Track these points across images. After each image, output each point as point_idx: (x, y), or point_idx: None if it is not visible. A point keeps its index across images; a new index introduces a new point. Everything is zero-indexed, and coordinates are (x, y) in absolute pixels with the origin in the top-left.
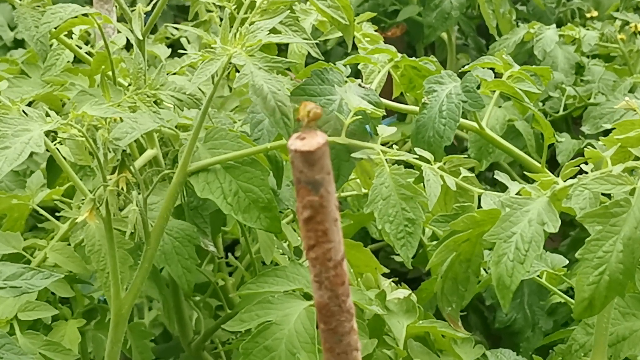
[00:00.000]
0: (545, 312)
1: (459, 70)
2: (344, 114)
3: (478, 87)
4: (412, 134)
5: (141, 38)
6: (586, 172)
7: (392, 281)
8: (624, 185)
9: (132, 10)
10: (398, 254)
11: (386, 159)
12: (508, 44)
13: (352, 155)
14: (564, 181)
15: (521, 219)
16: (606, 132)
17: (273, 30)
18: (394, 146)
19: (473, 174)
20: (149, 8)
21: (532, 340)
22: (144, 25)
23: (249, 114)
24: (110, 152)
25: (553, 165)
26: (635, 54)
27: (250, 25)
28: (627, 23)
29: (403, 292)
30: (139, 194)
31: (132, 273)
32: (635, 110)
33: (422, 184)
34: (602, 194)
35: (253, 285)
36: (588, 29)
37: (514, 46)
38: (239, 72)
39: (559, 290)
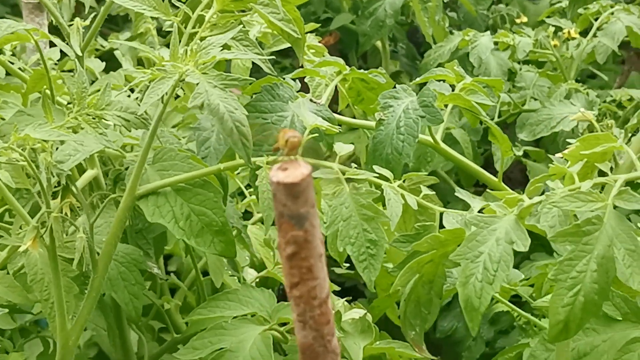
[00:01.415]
0: (487, 321)
1: (414, 82)
2: (297, 130)
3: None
4: (369, 151)
5: (80, 54)
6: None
7: (346, 300)
8: (594, 202)
9: (70, 25)
10: (337, 266)
11: (345, 178)
12: (443, 52)
13: (313, 174)
14: (530, 198)
15: (488, 238)
16: (538, 140)
17: (225, 46)
18: (352, 165)
19: (434, 192)
20: (87, 22)
21: (474, 350)
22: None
23: (194, 132)
24: (53, 176)
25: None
26: (569, 60)
27: (200, 40)
28: (560, 29)
29: (358, 312)
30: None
31: (78, 302)
32: (590, 121)
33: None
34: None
35: (204, 310)
36: (521, 36)
37: (449, 54)
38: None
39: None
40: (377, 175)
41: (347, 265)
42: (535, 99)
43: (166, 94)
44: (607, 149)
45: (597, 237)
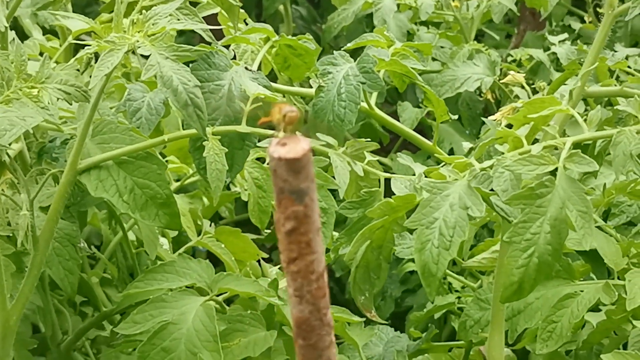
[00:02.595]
0: (397, 280)
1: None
2: (234, 100)
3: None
4: (310, 118)
5: (6, 25)
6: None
7: (279, 267)
8: (546, 165)
9: None
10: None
11: None
12: (347, 14)
13: (259, 144)
14: (479, 162)
15: (442, 204)
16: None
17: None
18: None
19: (376, 158)
20: None
21: (384, 309)
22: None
23: (125, 102)
24: None
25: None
26: (470, 21)
27: (143, 11)
28: None
29: None
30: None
31: (14, 280)
32: (521, 84)
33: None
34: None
35: (141, 283)
36: None
37: (353, 16)
38: None
39: None
40: (324, 143)
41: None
42: (436, 60)
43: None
44: (553, 112)
45: (549, 199)
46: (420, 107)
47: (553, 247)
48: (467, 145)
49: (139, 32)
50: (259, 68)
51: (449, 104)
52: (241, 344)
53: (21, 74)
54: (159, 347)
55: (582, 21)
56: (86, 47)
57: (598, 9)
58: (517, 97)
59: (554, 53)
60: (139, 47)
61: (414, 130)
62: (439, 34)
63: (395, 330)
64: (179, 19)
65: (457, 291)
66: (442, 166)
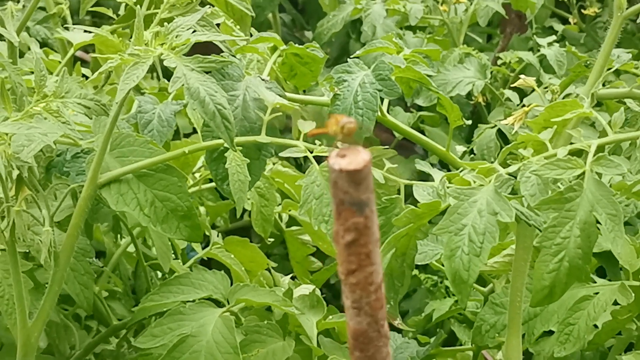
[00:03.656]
0: None
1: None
2: (249, 109)
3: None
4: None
5: (17, 40)
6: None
7: (291, 277)
8: (573, 169)
9: (3, 10)
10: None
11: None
12: (337, 21)
13: (281, 154)
14: (504, 168)
15: (470, 210)
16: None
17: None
18: (317, 142)
19: (396, 165)
20: (20, 6)
21: None
22: None
23: (136, 114)
24: (13, 169)
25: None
26: (459, 25)
27: (161, 22)
28: None
29: (307, 287)
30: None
31: (32, 297)
32: (533, 87)
33: None
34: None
35: (156, 296)
36: (412, 2)
37: (342, 23)
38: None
39: None
40: None
41: (272, 240)
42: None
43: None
44: (576, 115)
45: (578, 203)
46: (411, 112)
47: (583, 251)
48: (460, 148)
49: (161, 44)
50: None
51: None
52: (260, 354)
53: (41, 89)
54: None
55: (564, 23)
56: (109, 61)
57: (583, 11)
58: (508, 99)
59: (543, 55)
60: (165, 60)
61: None
62: (427, 38)
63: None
64: (196, 31)
65: (454, 295)
66: (461, 171)
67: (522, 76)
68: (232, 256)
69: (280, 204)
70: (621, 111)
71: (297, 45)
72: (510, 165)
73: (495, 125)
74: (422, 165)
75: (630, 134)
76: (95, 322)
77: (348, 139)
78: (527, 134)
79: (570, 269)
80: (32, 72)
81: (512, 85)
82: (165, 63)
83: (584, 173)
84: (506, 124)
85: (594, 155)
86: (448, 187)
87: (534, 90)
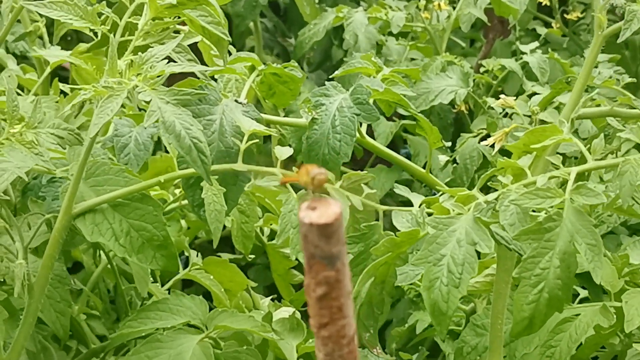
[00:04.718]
0: None
1: None
2: (226, 134)
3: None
4: (304, 152)
5: None
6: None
7: (271, 299)
8: (553, 198)
9: None
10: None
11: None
12: (318, 30)
13: (257, 183)
14: (483, 193)
15: (449, 240)
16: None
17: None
18: (294, 169)
19: (375, 190)
20: None
21: None
22: None
23: (113, 137)
24: None
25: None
26: (441, 32)
27: (136, 51)
28: (431, 1)
29: (286, 310)
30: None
31: (7, 327)
32: (513, 107)
33: None
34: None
35: (134, 322)
36: (394, 10)
37: (324, 31)
38: None
39: None
40: None
41: (253, 256)
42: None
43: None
44: (556, 141)
45: (557, 233)
46: (394, 121)
47: (563, 282)
48: (443, 158)
49: (136, 75)
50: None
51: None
52: None
53: (13, 120)
54: None
55: (547, 26)
56: (82, 93)
57: (565, 15)
58: (490, 108)
59: (526, 62)
60: (139, 93)
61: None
62: (409, 45)
63: None
64: (172, 60)
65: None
66: (440, 195)
67: (502, 96)
68: (212, 277)
69: (261, 218)
70: (601, 137)
71: (275, 65)
72: (489, 192)
73: (478, 134)
74: (401, 190)
75: (610, 161)
76: (74, 342)
77: (320, 190)
78: (507, 160)
79: (550, 299)
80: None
81: (494, 105)
82: (139, 97)
83: (563, 202)
84: (486, 145)
85: (574, 183)
86: (427, 217)
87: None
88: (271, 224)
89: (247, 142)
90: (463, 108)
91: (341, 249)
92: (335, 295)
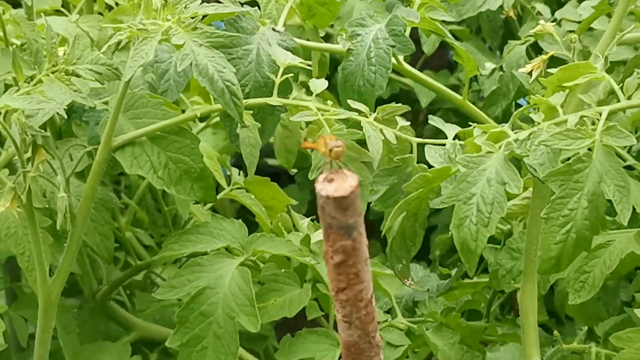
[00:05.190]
0: None
1: None
2: (263, 64)
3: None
4: (340, 83)
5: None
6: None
7: (311, 219)
8: (583, 139)
9: None
10: None
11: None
12: None
13: (292, 118)
14: (513, 132)
15: (479, 179)
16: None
17: None
18: (328, 102)
19: (409, 122)
20: None
21: None
22: None
23: (153, 64)
24: (27, 135)
25: None
26: None
27: None
28: None
29: None
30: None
31: (53, 251)
32: (551, 34)
33: None
34: None
35: (175, 245)
36: None
37: None
38: None
39: None
40: (357, 112)
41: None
42: None
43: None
44: (589, 79)
45: (587, 174)
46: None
47: (591, 222)
48: (489, 65)
49: (170, 15)
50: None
51: (469, 18)
52: (277, 303)
53: (52, 57)
54: (197, 312)
55: None
56: (118, 33)
57: None
58: (539, 13)
59: None
60: (173, 36)
61: None
62: None
63: (420, 250)
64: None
65: None
66: (474, 128)
67: (541, 22)
68: (253, 197)
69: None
70: (634, 75)
71: None
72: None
73: (526, 42)
74: (435, 122)
75: None
76: (123, 253)
77: (338, 162)
78: (539, 97)
79: (577, 240)
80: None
81: (532, 31)
82: (173, 40)
83: (593, 143)
84: (524, 72)
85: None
86: (459, 151)
87: (567, 2)
88: None
89: (282, 75)
90: (511, 14)
91: (357, 220)
92: (352, 262)
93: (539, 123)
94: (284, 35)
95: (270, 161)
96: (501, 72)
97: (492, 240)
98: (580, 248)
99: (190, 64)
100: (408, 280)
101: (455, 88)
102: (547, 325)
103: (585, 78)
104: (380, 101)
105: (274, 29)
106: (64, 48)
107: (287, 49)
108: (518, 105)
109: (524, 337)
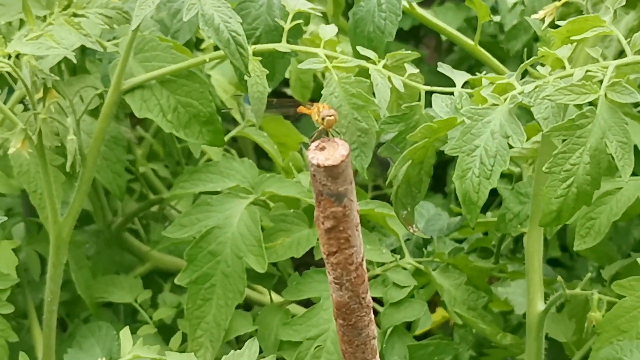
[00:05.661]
0: None
1: None
2: (274, 8)
3: None
4: (350, 28)
5: None
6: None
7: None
8: (587, 94)
9: None
10: None
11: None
12: None
13: (300, 66)
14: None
15: (483, 131)
16: None
17: None
18: (337, 48)
19: (418, 70)
20: None
21: None
22: None
23: (165, 3)
24: (38, 78)
25: None
26: None
27: None
28: None
29: None
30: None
31: (65, 189)
32: None
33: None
34: None
35: (186, 183)
36: None
37: None
38: None
39: None
40: (365, 59)
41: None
42: None
43: None
44: (597, 34)
45: (589, 130)
46: None
47: (592, 177)
48: (511, 0)
49: None
50: None
51: None
52: (285, 243)
53: (62, 1)
54: (205, 251)
55: None
56: None
57: None
58: None
59: None
60: None
61: None
62: None
63: (436, 183)
64: None
65: None
66: (484, 75)
67: None
68: (265, 134)
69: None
70: None
71: None
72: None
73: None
74: (444, 69)
75: None
76: (138, 184)
77: (330, 130)
78: (546, 50)
79: (579, 194)
80: None
81: None
82: None
83: (597, 99)
84: (537, 18)
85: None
86: (467, 101)
87: None
88: None
89: (292, 21)
90: None
91: (348, 187)
92: (342, 228)
93: (545, 76)
94: None
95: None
96: (523, 7)
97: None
98: (581, 202)
99: (197, 14)
100: (412, 227)
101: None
102: (560, 260)
103: (593, 32)
104: (400, 32)
105: None
106: None
107: None
108: (538, 40)
109: (528, 281)
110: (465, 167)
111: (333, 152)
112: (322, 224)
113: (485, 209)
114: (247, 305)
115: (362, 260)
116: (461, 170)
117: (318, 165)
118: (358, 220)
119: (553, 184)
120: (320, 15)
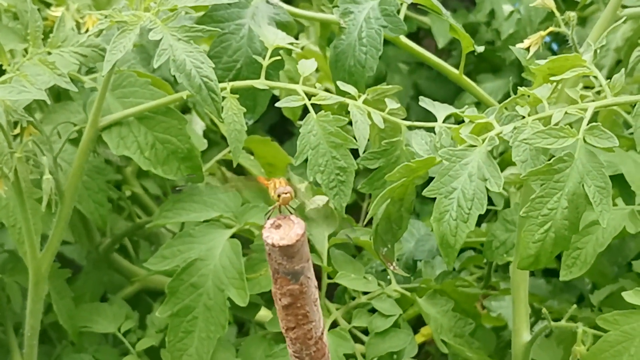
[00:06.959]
0: None
1: None
2: (254, 40)
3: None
4: (331, 61)
5: None
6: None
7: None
8: (566, 138)
9: None
10: None
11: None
12: None
13: (278, 104)
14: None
15: (461, 173)
16: None
17: None
18: (317, 85)
19: (399, 104)
20: None
21: None
22: None
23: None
24: (12, 117)
25: None
26: None
27: None
28: None
29: (321, 198)
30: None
31: (44, 222)
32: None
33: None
34: None
35: (169, 212)
36: None
37: None
38: None
39: None
40: (344, 94)
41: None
42: None
43: None
44: (577, 74)
45: (568, 174)
46: None
47: (570, 222)
48: (507, 8)
49: (150, 7)
50: None
51: None
52: (268, 274)
53: (36, 40)
54: (187, 283)
55: None
56: (98, 23)
57: None
58: None
59: None
60: (151, 30)
61: None
62: None
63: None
64: None
65: None
66: (466, 109)
67: None
68: (252, 158)
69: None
70: (621, 72)
71: None
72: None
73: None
74: (426, 104)
75: (629, 98)
76: (128, 202)
77: (285, 207)
78: (525, 89)
79: (556, 239)
80: None
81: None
82: (150, 36)
83: (576, 142)
84: (522, 48)
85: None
86: (446, 138)
87: None
88: None
89: (269, 60)
90: None
91: (305, 265)
92: (300, 304)
93: (524, 117)
94: (277, 8)
95: None
96: (519, 16)
97: None
98: (559, 247)
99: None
100: (392, 264)
101: (475, 26)
102: (556, 270)
103: (572, 72)
104: None
105: (267, 1)
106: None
107: (280, 23)
108: None
109: (514, 312)
110: (443, 210)
111: (288, 231)
112: (280, 300)
113: (480, 221)
114: (241, 325)
115: (322, 334)
116: (439, 212)
117: (273, 245)
118: (317, 296)
119: (530, 228)
120: (300, 50)
